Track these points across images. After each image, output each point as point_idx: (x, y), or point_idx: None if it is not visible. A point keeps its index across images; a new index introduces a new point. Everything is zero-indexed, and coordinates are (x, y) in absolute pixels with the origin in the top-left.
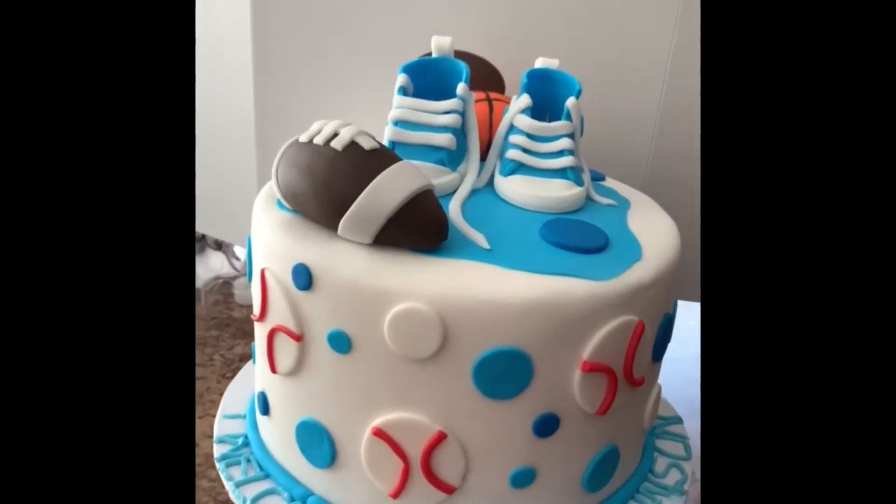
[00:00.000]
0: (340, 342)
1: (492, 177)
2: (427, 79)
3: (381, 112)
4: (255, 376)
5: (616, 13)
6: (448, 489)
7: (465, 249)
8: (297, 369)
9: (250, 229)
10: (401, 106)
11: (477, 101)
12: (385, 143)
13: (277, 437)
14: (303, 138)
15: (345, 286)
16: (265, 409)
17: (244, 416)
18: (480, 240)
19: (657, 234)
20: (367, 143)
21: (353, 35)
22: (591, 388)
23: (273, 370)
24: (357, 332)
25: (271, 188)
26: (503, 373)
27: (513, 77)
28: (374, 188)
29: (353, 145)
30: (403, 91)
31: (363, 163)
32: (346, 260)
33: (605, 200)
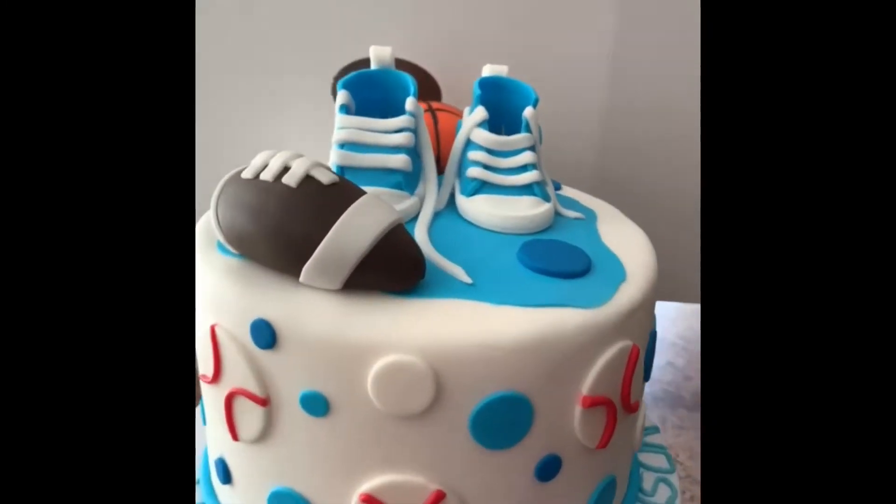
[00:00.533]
0: (316, 404)
1: (451, 197)
2: (369, 94)
3: (320, 132)
4: (205, 439)
5: (552, 12)
6: None
7: (445, 286)
8: (264, 436)
9: None
10: (345, 126)
11: None
12: (331, 167)
13: None
14: (247, 174)
15: (316, 341)
16: (226, 478)
17: (197, 482)
18: (460, 274)
19: (632, 248)
20: (324, 177)
21: (278, 51)
22: (591, 423)
23: (235, 437)
24: (335, 391)
25: (205, 228)
26: (503, 420)
27: (448, 82)
28: (340, 228)
29: (308, 180)
30: (346, 109)
31: (323, 200)
32: (314, 311)
33: (572, 214)
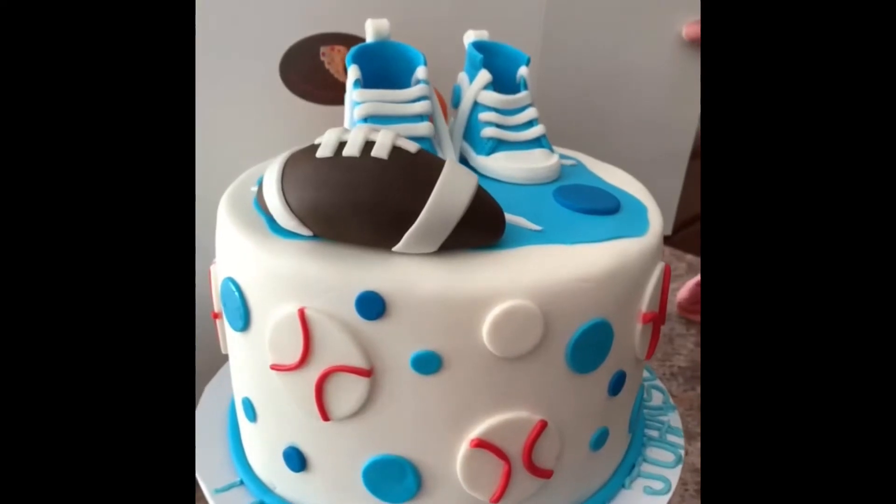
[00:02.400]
0: (428, 363)
1: (460, 158)
2: (373, 67)
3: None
4: (261, 434)
5: None
6: (546, 474)
7: (518, 236)
8: (364, 407)
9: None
10: (366, 100)
11: None
12: None
13: (325, 490)
14: (323, 152)
15: (428, 303)
16: (301, 466)
17: (240, 484)
18: (526, 223)
19: (629, 185)
20: (410, 147)
21: (219, 34)
22: (644, 337)
23: (325, 417)
24: (448, 346)
25: (239, 218)
26: (592, 346)
27: None
28: (439, 195)
29: (397, 151)
30: (359, 83)
31: (414, 168)
32: (421, 275)
33: (568, 161)
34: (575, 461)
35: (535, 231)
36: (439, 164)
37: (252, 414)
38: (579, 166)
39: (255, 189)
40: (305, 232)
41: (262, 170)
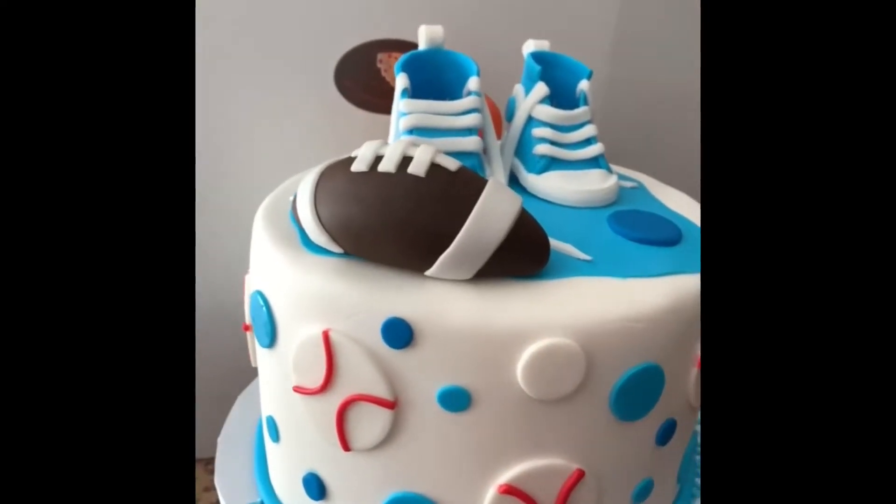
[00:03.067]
0: (456, 399)
1: (510, 176)
2: (424, 76)
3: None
4: (283, 456)
5: None
6: None
7: (565, 265)
8: (387, 440)
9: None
10: (413, 111)
11: None
12: None
13: None
14: (358, 166)
15: (459, 335)
16: (320, 494)
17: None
18: (575, 252)
19: (691, 211)
20: (450, 164)
21: (274, 43)
22: (699, 383)
23: (346, 447)
24: (479, 383)
25: (274, 231)
26: (640, 392)
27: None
28: (477, 218)
29: (435, 168)
30: (407, 93)
31: (453, 188)
32: (452, 304)
33: (629, 184)
34: None
35: (584, 261)
36: (480, 185)
37: (275, 434)
38: (640, 189)
39: (291, 200)
40: (336, 249)
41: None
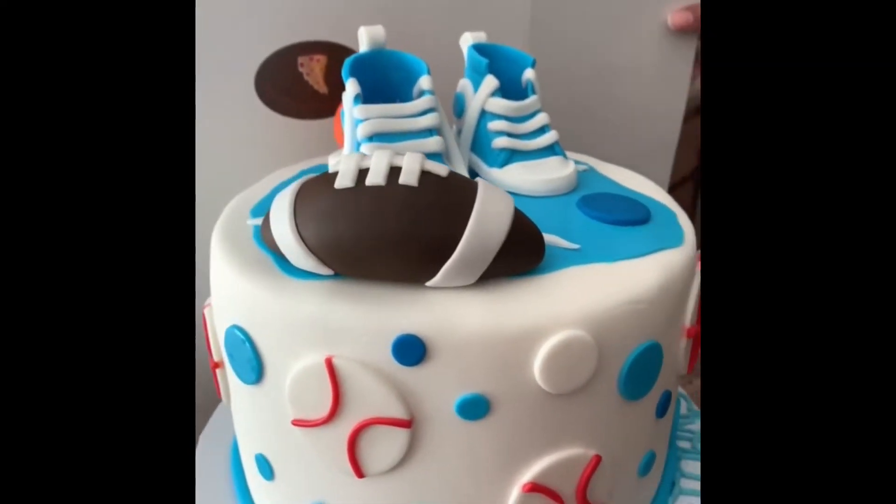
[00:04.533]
0: (476, 408)
1: (469, 172)
2: (370, 79)
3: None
4: (281, 493)
5: None
6: None
7: (557, 257)
8: (404, 461)
9: None
10: (369, 116)
11: None
12: None
13: None
14: (343, 182)
15: (475, 342)
16: None
17: None
18: (562, 242)
19: (647, 189)
20: (440, 170)
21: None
22: (687, 352)
23: (360, 474)
24: (497, 388)
25: (245, 258)
26: (643, 371)
27: None
28: (477, 222)
29: (427, 176)
30: (360, 99)
31: (447, 194)
32: (461, 312)
33: (580, 167)
34: (624, 491)
35: (573, 250)
36: (473, 187)
37: (269, 472)
38: (591, 171)
39: (252, 223)
40: (324, 271)
41: (251, 199)
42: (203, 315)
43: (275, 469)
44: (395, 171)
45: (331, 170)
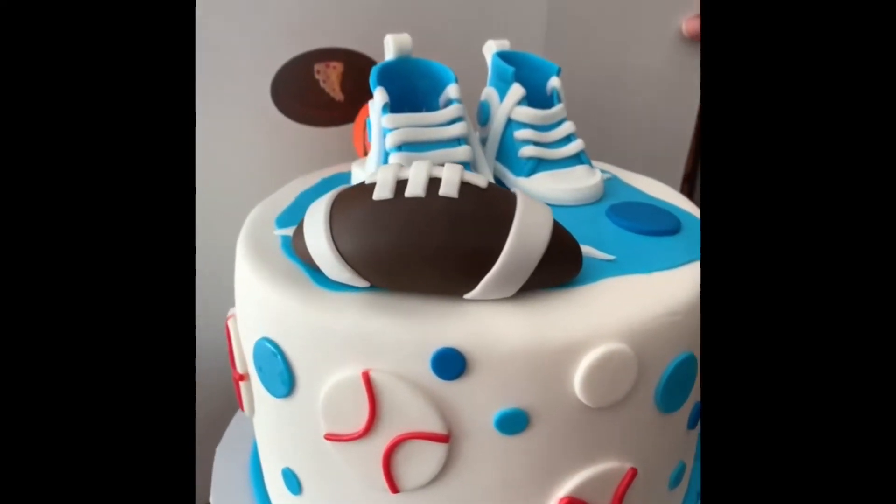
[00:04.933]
0: (515, 422)
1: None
2: (396, 88)
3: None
4: None
5: None
6: None
7: (593, 268)
8: (440, 476)
9: None
10: (399, 125)
11: None
12: None
13: None
14: (381, 193)
15: (516, 356)
16: None
17: None
18: (597, 253)
19: (670, 196)
20: (479, 181)
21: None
22: None
23: (395, 489)
24: (536, 402)
25: (267, 275)
26: (680, 383)
27: None
28: (518, 233)
29: (467, 187)
30: (388, 108)
31: (487, 206)
32: (504, 324)
33: (604, 175)
34: (657, 502)
35: (608, 261)
36: (511, 198)
37: (296, 486)
38: (615, 180)
39: (279, 233)
40: (360, 283)
41: (274, 208)
42: (227, 327)
43: (303, 483)
44: (433, 183)
45: (355, 180)
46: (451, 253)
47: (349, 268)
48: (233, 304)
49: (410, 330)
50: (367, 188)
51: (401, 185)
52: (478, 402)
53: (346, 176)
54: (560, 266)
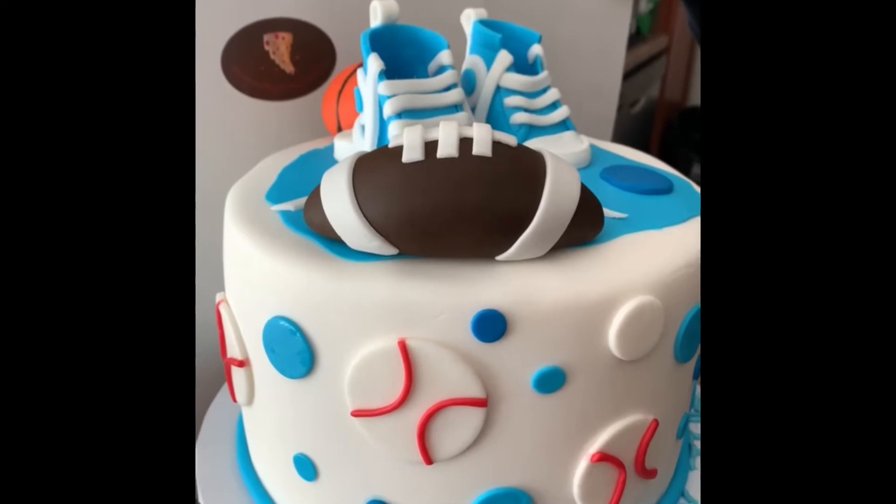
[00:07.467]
0: (552, 380)
1: None
2: (387, 55)
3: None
4: (326, 493)
5: None
6: (653, 474)
7: (610, 227)
8: (476, 442)
9: None
10: (396, 92)
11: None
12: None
13: None
14: (411, 155)
15: (554, 314)
16: None
17: None
18: (609, 212)
19: (653, 162)
20: (509, 140)
21: None
22: None
23: (428, 460)
24: (573, 359)
25: (280, 253)
26: (694, 334)
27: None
28: (552, 192)
29: (498, 146)
30: (384, 74)
31: (520, 165)
32: (542, 283)
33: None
34: (667, 454)
35: (621, 219)
36: (540, 157)
37: (312, 472)
38: (594, 147)
39: (277, 208)
40: (389, 251)
41: (257, 186)
42: (218, 312)
43: (319, 468)
44: (464, 142)
45: (340, 154)
46: (489, 213)
47: (378, 235)
48: (214, 290)
49: (448, 294)
50: (390, 151)
51: (429, 146)
52: (517, 363)
53: (328, 150)
54: (587, 223)
